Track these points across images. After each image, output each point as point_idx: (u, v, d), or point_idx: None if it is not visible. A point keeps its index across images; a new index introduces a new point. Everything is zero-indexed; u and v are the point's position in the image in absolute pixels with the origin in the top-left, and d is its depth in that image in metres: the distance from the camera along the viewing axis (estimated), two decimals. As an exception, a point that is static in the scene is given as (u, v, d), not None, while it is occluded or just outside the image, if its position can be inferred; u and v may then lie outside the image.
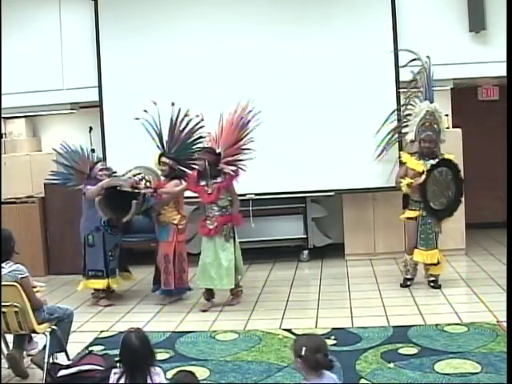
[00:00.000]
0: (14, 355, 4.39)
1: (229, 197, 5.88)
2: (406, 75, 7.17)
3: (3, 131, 8.43)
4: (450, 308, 5.60)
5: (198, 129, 6.18)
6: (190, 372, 3.26)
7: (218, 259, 5.80)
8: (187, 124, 6.19)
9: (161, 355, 4.51)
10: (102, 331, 5.42)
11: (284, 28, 7.45)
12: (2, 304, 4.06)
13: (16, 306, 4.09)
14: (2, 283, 4.07)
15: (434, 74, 6.62)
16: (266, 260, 7.90)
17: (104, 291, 6.35)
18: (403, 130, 6.78)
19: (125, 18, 7.67)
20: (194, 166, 6.10)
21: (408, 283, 6.30)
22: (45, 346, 4.25)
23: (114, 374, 3.29)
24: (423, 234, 6.20)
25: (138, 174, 6.24)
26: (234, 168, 5.83)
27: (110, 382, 3.28)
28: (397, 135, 7.10)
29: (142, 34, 7.61)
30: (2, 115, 7.93)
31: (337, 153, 7.40)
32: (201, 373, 4.26)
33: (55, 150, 6.60)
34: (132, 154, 7.22)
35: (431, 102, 6.41)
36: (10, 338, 4.50)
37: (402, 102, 6.98)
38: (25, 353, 4.54)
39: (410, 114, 6.62)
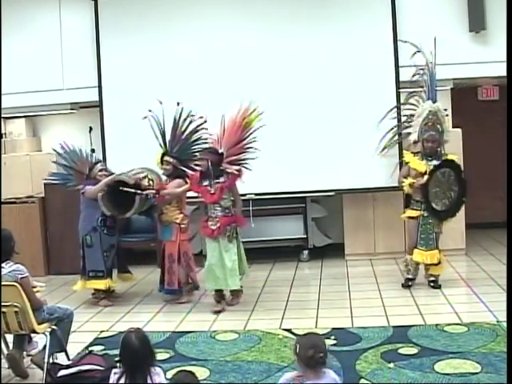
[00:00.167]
0: (14, 355, 4.39)
1: (231, 197, 5.85)
2: (406, 75, 7.18)
3: (3, 131, 8.43)
4: (450, 308, 5.60)
5: (201, 130, 6.18)
6: (190, 372, 3.26)
7: (221, 259, 5.80)
8: (189, 124, 6.19)
9: (161, 355, 4.51)
10: (102, 331, 5.42)
11: (284, 28, 7.45)
12: (2, 304, 4.06)
13: (16, 306, 4.09)
14: (2, 283, 4.07)
15: (436, 73, 6.63)
16: (266, 260, 7.90)
17: (104, 292, 6.34)
18: (406, 131, 6.78)
19: (125, 18, 7.68)
20: (196, 166, 6.10)
21: (409, 283, 6.29)
22: (45, 346, 4.25)
23: (114, 374, 3.29)
24: (423, 234, 6.19)
25: (141, 172, 6.24)
26: (237, 168, 5.82)
27: (110, 382, 3.28)
28: (397, 136, 7.11)
29: (142, 34, 7.61)
30: (2, 115, 7.93)
31: (337, 153, 7.40)
32: (201, 373, 4.26)
33: (54, 150, 6.60)
34: (132, 154, 7.24)
35: (434, 102, 6.41)
36: (10, 338, 4.50)
37: (403, 101, 6.98)
38: (25, 353, 4.53)
39: (412, 115, 6.62)
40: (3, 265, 4.17)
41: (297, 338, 3.43)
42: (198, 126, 6.19)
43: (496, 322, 5.04)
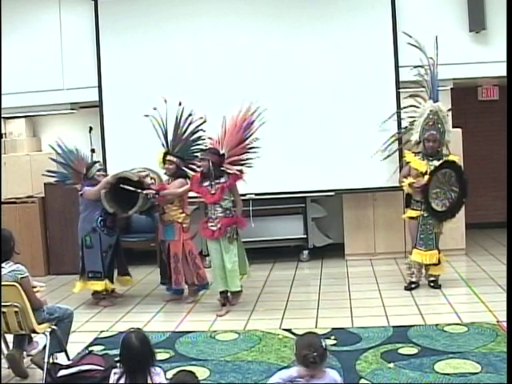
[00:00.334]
0: (14, 355, 4.39)
1: (232, 198, 5.83)
2: (406, 75, 7.18)
3: (3, 131, 8.42)
4: (449, 308, 5.60)
5: (200, 130, 6.18)
6: (190, 372, 3.26)
7: (222, 261, 5.79)
8: (190, 124, 6.19)
9: (161, 355, 4.51)
10: (102, 331, 5.41)
11: (284, 28, 7.46)
12: (2, 304, 4.06)
13: (16, 306, 4.09)
14: (2, 283, 4.07)
15: (437, 72, 6.63)
16: (266, 260, 7.90)
17: (106, 292, 6.33)
18: (408, 134, 6.77)
19: (125, 18, 7.68)
20: (197, 166, 6.10)
21: (412, 286, 6.26)
22: (45, 346, 4.25)
23: (114, 374, 3.29)
24: (423, 234, 6.19)
25: (142, 171, 6.24)
26: (238, 168, 5.81)
27: (110, 382, 3.28)
28: (397, 142, 7.12)
29: (142, 34, 7.62)
30: (2, 115, 7.93)
31: (337, 153, 7.40)
32: (201, 373, 4.26)
33: (51, 147, 6.59)
34: (132, 154, 7.24)
35: (435, 102, 6.40)
36: (10, 338, 4.50)
37: (406, 103, 6.96)
38: (25, 353, 4.53)
39: (414, 117, 6.60)
40: (3, 265, 4.17)
41: (296, 337, 3.44)
42: (197, 127, 6.19)
43: (496, 322, 5.04)
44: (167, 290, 6.40)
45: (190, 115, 6.18)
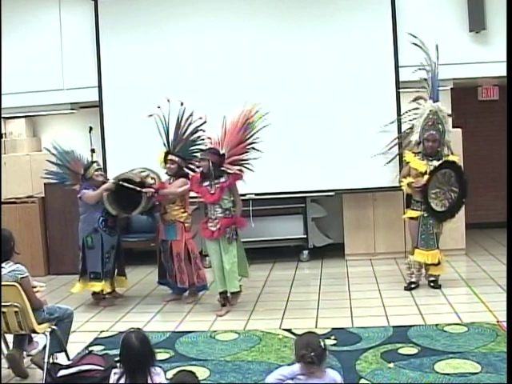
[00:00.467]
0: (14, 355, 4.39)
1: (231, 198, 5.81)
2: (406, 75, 7.19)
3: (3, 131, 8.42)
4: (449, 308, 5.60)
5: (200, 130, 6.18)
6: (190, 372, 3.26)
7: (221, 262, 5.78)
8: (190, 124, 6.19)
9: (161, 355, 4.51)
10: (102, 331, 5.41)
11: (284, 28, 7.46)
12: (2, 304, 4.06)
13: (16, 306, 4.09)
14: (2, 283, 4.07)
15: (438, 72, 6.63)
16: (266, 260, 7.90)
17: (105, 292, 6.32)
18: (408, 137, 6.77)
19: (125, 18, 7.68)
20: (196, 166, 6.09)
21: (412, 286, 6.25)
22: (45, 346, 4.25)
23: (115, 374, 3.29)
24: (424, 235, 6.19)
25: (143, 171, 6.23)
26: (238, 167, 5.79)
27: (111, 382, 3.28)
28: (397, 146, 7.13)
29: (142, 34, 7.62)
30: (2, 115, 7.93)
31: (337, 153, 7.40)
32: (201, 373, 4.26)
33: (47, 150, 6.58)
34: (132, 154, 7.25)
35: (435, 102, 6.40)
36: (10, 338, 4.50)
37: (409, 107, 6.95)
38: (25, 353, 4.53)
39: (414, 119, 6.60)
40: (3, 265, 4.17)
41: (296, 337, 3.45)
42: (197, 127, 6.19)
43: (496, 322, 5.04)
44: (168, 286, 6.39)
45: (190, 115, 6.18)
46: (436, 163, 6.09)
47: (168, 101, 6.06)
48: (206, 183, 5.77)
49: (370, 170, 7.28)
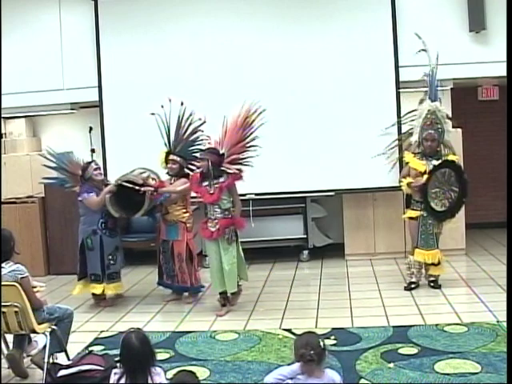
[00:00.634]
0: (14, 355, 4.39)
1: (231, 198, 5.80)
2: (406, 75, 7.19)
3: (3, 131, 8.42)
4: (449, 308, 5.60)
5: (199, 130, 6.18)
6: (190, 372, 3.27)
7: (221, 262, 5.76)
8: (190, 124, 6.19)
9: (161, 355, 4.51)
10: (102, 331, 5.41)
11: (283, 28, 7.46)
12: (2, 304, 4.06)
13: (16, 306, 4.09)
14: (2, 283, 4.07)
15: (437, 73, 6.63)
16: (266, 260, 7.90)
17: (103, 296, 6.30)
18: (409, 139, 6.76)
19: (125, 18, 7.68)
20: (196, 166, 6.09)
21: (412, 286, 6.25)
22: (45, 346, 4.25)
23: (115, 374, 3.29)
24: (423, 235, 6.19)
25: (144, 172, 6.22)
26: (237, 167, 5.78)
27: (111, 382, 3.28)
28: (397, 147, 7.13)
29: (142, 34, 7.62)
30: (2, 115, 7.93)
31: (337, 153, 7.40)
32: (201, 373, 4.25)
33: (43, 156, 6.55)
34: (132, 154, 7.26)
35: (433, 101, 6.39)
36: (10, 338, 4.50)
37: (410, 106, 6.94)
38: (25, 353, 4.53)
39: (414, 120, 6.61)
40: (3, 265, 4.17)
41: (296, 337, 3.45)
42: (196, 128, 6.18)
43: (496, 322, 5.04)
44: (168, 287, 6.39)
45: (190, 115, 6.18)
46: (435, 163, 6.09)
47: (170, 100, 6.06)
48: (206, 183, 5.76)
49: (370, 170, 7.28)
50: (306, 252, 7.96)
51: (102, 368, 3.85)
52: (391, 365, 4.28)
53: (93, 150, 7.71)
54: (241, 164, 5.83)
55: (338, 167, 7.40)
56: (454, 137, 6.89)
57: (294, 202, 7.73)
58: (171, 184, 6.16)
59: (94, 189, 6.14)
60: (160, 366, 3.38)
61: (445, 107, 6.54)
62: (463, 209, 6.49)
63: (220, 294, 5.89)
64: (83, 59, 7.81)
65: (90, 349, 4.75)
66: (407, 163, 6.31)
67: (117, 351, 3.37)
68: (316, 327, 5.23)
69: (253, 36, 7.48)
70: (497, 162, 8.87)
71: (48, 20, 7.92)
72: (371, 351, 4.56)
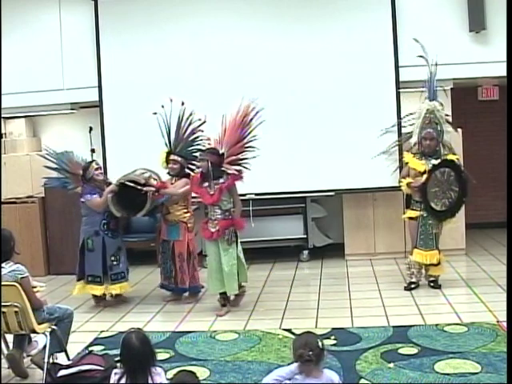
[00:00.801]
0: (14, 355, 4.39)
1: (231, 199, 5.78)
2: (406, 75, 7.19)
3: (3, 131, 8.42)
4: (449, 308, 5.60)
5: (198, 131, 6.18)
6: (190, 372, 3.27)
7: (221, 263, 5.75)
8: (190, 124, 6.19)
9: (161, 355, 4.51)
10: (102, 331, 5.41)
11: (283, 27, 7.45)
12: (2, 304, 4.06)
13: (16, 306, 4.09)
14: (2, 283, 4.07)
15: (436, 73, 6.62)
16: (266, 260, 7.90)
17: (103, 297, 6.29)
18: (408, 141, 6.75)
19: (125, 18, 7.67)
20: (196, 166, 6.09)
21: (412, 286, 6.25)
22: (45, 346, 4.25)
23: (115, 374, 3.29)
24: (423, 235, 6.19)
25: (145, 173, 6.22)
26: (237, 168, 5.76)
27: (111, 382, 3.28)
28: (397, 147, 7.13)
29: (142, 34, 7.62)
30: (2, 115, 7.93)
31: (337, 153, 7.40)
32: (201, 373, 4.25)
33: (40, 156, 6.53)
34: (132, 154, 7.26)
35: (431, 101, 6.38)
36: (10, 338, 4.50)
37: (410, 105, 6.93)
38: (25, 353, 4.52)
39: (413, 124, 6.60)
40: (3, 265, 4.16)
41: (295, 337, 3.46)
42: (196, 127, 6.18)
43: (496, 322, 5.05)
44: (169, 290, 6.39)
45: (190, 115, 6.18)
46: (435, 162, 6.10)
47: (171, 100, 6.06)
48: (206, 184, 5.75)
49: (370, 170, 7.28)
50: (305, 252, 7.96)
51: (101, 368, 3.85)
52: (391, 365, 4.28)
53: (93, 150, 7.70)
54: (239, 165, 5.82)
55: (338, 167, 7.40)
56: (454, 137, 6.89)
57: (294, 201, 7.73)
58: (172, 184, 6.16)
59: (97, 189, 6.13)
60: (160, 366, 3.38)
61: (444, 107, 6.53)
62: (463, 209, 6.49)
63: (220, 294, 5.89)
64: (83, 59, 7.81)
65: (90, 349, 4.76)
66: (407, 163, 6.31)
67: (117, 351, 3.37)
68: (316, 327, 5.23)
69: (253, 36, 7.48)
70: (497, 162, 8.87)
71: (48, 20, 7.92)
72: (371, 351, 4.56)
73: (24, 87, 7.84)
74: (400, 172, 6.86)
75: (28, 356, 4.52)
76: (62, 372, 3.93)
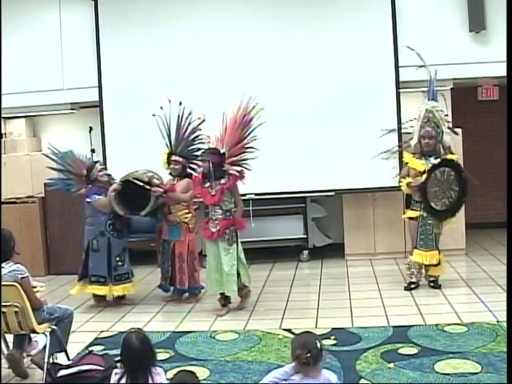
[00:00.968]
0: (14, 355, 4.39)
1: (232, 199, 5.77)
2: (406, 75, 7.19)
3: (3, 131, 8.42)
4: (449, 308, 5.60)
5: (198, 129, 6.18)
6: (190, 372, 3.27)
7: (220, 263, 5.73)
8: (189, 123, 6.19)
9: (161, 355, 4.50)
10: (102, 331, 5.41)
11: (283, 28, 7.46)
12: (2, 304, 4.06)
13: (16, 306, 4.09)
14: (2, 283, 4.07)
15: (436, 75, 6.61)
16: (266, 260, 7.89)
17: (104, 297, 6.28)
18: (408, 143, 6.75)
19: (125, 18, 7.67)
20: (197, 166, 6.08)
21: (412, 286, 6.25)
22: (45, 346, 4.25)
23: (115, 374, 3.29)
24: (423, 235, 6.18)
25: (147, 173, 6.20)
26: (238, 169, 5.74)
27: (112, 382, 3.28)
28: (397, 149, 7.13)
29: (143, 34, 7.62)
30: (2, 115, 7.92)
31: (337, 153, 7.40)
32: (201, 373, 4.25)
33: (45, 155, 6.50)
34: (132, 154, 7.26)
35: (429, 100, 6.38)
36: (10, 338, 4.50)
37: (410, 105, 6.93)
38: (25, 353, 4.52)
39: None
40: (3, 265, 4.16)
41: (294, 336, 3.45)
42: (196, 127, 6.18)
43: (496, 322, 5.05)
44: (166, 291, 6.39)
45: (189, 114, 6.18)
46: (434, 161, 6.10)
47: (169, 101, 6.06)
48: (207, 184, 5.74)
49: (370, 170, 7.28)
50: (305, 252, 7.96)
51: (102, 368, 3.85)
52: (391, 365, 4.28)
53: (93, 150, 7.71)
54: (240, 166, 5.81)
55: (338, 167, 7.40)
56: (454, 137, 6.88)
57: (294, 201, 7.73)
58: (174, 184, 6.14)
59: (102, 190, 6.11)
60: (160, 366, 3.38)
61: (444, 109, 6.52)
62: (463, 209, 6.49)
63: (220, 294, 5.88)
64: (83, 59, 7.81)
65: (90, 349, 4.75)
66: (406, 163, 6.31)
67: (117, 351, 3.37)
68: (316, 327, 5.23)
69: (253, 36, 7.48)
70: (497, 162, 8.87)
71: (48, 20, 7.92)
72: (371, 351, 4.56)
73: (24, 87, 7.84)
74: (400, 172, 6.86)
75: (28, 356, 4.52)
76: (62, 372, 3.93)
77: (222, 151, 5.74)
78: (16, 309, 4.10)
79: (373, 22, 7.37)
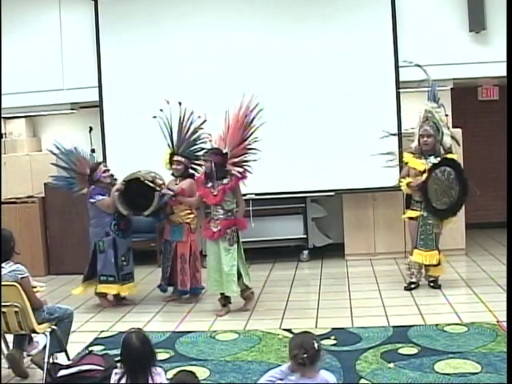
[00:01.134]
0: (14, 355, 4.39)
1: (234, 199, 5.76)
2: (406, 75, 7.19)
3: (3, 131, 8.42)
4: (449, 308, 5.60)
5: (200, 129, 6.17)
6: (190, 372, 3.27)
7: (220, 263, 5.73)
8: (191, 123, 6.18)
9: (161, 355, 4.50)
10: (102, 331, 5.41)
11: (283, 27, 7.46)
12: (2, 304, 4.06)
13: (16, 306, 4.09)
14: (2, 283, 4.07)
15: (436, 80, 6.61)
16: (266, 260, 7.89)
17: (114, 296, 6.27)
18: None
19: (125, 18, 7.68)
20: (200, 166, 6.08)
21: (412, 286, 6.24)
22: (45, 346, 4.25)
23: (115, 374, 3.29)
24: (423, 235, 6.18)
25: (149, 173, 6.18)
26: (240, 170, 5.72)
27: (112, 382, 3.28)
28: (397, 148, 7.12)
29: (143, 34, 7.62)
30: (2, 115, 7.93)
31: (337, 153, 7.41)
32: (201, 373, 4.25)
33: (50, 151, 6.50)
34: (133, 154, 7.26)
35: (429, 100, 6.38)
36: (10, 338, 4.50)
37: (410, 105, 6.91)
38: (25, 353, 4.53)
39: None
40: (3, 265, 4.17)
41: (292, 335, 3.45)
42: (198, 126, 6.18)
43: (496, 322, 5.05)
44: (164, 291, 6.38)
45: (191, 114, 6.17)
46: (434, 160, 6.09)
47: (168, 103, 6.06)
48: (209, 184, 5.74)
49: (370, 170, 7.26)
50: (305, 252, 7.96)
51: (101, 368, 3.85)
52: (391, 365, 4.28)
53: (93, 150, 7.69)
54: (242, 167, 5.80)
55: (338, 167, 7.40)
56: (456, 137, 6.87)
57: (294, 201, 7.73)
58: (177, 184, 6.13)
59: (105, 190, 6.10)
60: (160, 366, 3.38)
61: (443, 110, 6.51)
62: (463, 209, 6.48)
63: (220, 294, 5.88)
64: (83, 59, 7.81)
65: (90, 349, 4.75)
66: (406, 163, 6.31)
67: (117, 351, 3.37)
68: (316, 327, 5.23)
69: (253, 35, 7.48)
70: (497, 162, 8.87)
71: (48, 20, 7.93)
72: (371, 351, 4.56)
73: (24, 87, 7.84)
74: (400, 172, 6.85)
75: (28, 356, 4.52)
76: (62, 372, 3.93)
77: (224, 151, 5.73)
78: (16, 309, 4.10)
79: (373, 21, 7.37)
